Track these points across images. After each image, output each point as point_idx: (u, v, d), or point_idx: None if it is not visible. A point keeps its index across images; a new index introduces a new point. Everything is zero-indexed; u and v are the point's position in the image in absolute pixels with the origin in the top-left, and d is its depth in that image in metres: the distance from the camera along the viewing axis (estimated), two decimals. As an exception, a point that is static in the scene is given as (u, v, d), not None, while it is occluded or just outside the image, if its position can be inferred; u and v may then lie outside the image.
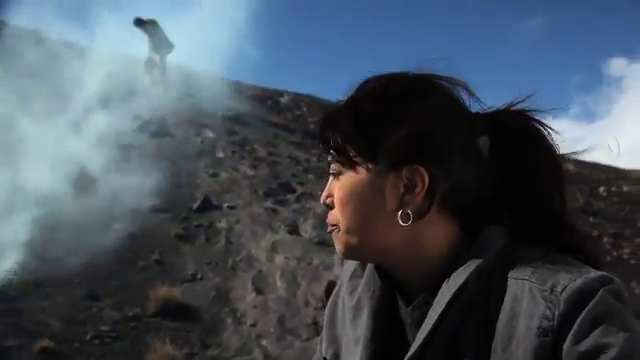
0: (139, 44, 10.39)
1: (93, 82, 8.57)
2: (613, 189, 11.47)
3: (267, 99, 13.53)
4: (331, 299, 0.89)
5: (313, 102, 15.12)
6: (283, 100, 13.97)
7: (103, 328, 4.14)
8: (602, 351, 0.56)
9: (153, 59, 10.13)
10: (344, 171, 0.72)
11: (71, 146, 6.94)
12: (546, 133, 0.73)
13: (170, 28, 10.41)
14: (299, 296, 4.76)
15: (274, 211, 6.38)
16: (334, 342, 0.82)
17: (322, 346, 0.85)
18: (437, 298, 0.68)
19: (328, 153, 0.74)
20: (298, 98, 14.95)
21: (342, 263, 5.34)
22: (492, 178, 0.72)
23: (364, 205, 0.71)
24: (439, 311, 0.66)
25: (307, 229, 5.95)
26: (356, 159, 0.71)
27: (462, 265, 0.68)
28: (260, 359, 4.02)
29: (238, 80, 14.82)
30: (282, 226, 5.96)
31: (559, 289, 0.61)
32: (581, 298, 0.60)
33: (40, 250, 5.18)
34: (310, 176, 7.92)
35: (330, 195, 0.75)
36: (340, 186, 0.73)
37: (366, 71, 0.74)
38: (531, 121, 0.73)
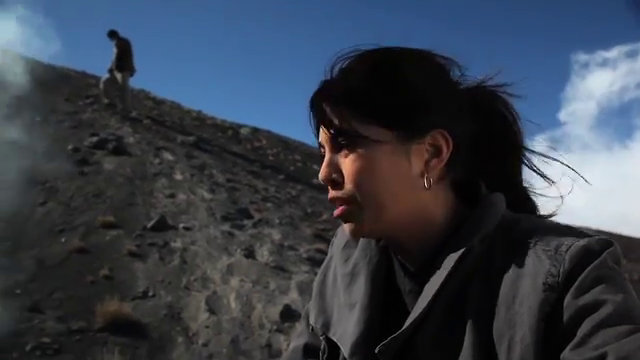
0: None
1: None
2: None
3: (227, 129, 13.53)
4: (320, 272, 0.88)
5: (272, 136, 15.23)
6: (242, 131, 14.00)
7: (45, 340, 3.90)
8: (600, 306, 0.58)
9: (115, 77, 9.98)
10: (360, 142, 0.69)
11: (23, 155, 6.68)
12: (510, 117, 0.76)
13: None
14: (254, 318, 4.66)
15: (231, 235, 6.29)
16: (324, 312, 0.81)
17: (310, 317, 0.84)
18: (442, 264, 0.68)
19: (332, 127, 0.70)
20: (257, 132, 15.03)
21: (299, 288, 5.25)
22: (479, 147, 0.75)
23: (388, 175, 0.69)
24: (444, 275, 0.67)
25: (264, 254, 5.90)
26: (373, 128, 0.69)
27: (466, 231, 0.69)
28: (211, 379, 3.89)
29: (200, 109, 14.82)
30: (238, 249, 5.88)
31: (564, 249, 0.63)
32: (585, 257, 0.61)
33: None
34: (268, 204, 7.90)
35: (336, 171, 0.71)
36: (354, 159, 0.69)
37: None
38: (499, 102, 0.76)
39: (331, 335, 0.78)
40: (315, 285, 0.87)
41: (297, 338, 0.89)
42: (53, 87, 10.35)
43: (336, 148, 0.71)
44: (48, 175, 6.91)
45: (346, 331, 0.75)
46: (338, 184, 0.71)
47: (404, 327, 0.68)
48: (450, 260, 0.67)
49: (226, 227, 6.45)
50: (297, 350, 0.87)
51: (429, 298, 0.67)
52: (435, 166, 0.70)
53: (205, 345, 4.24)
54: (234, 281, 5.24)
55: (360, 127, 0.69)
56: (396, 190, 0.69)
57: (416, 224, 0.71)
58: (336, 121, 0.70)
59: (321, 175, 0.72)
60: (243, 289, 5.10)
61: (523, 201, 0.77)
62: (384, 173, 0.69)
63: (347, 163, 0.70)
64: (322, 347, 0.80)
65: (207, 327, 4.46)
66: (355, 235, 0.73)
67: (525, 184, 0.78)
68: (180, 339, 4.27)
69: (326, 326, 0.79)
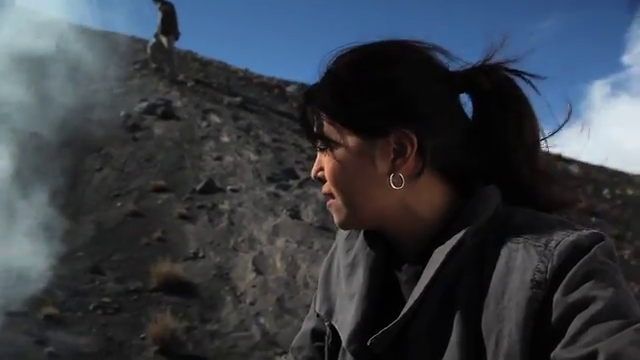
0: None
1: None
2: (617, 192, 11.49)
3: (273, 87, 13.57)
4: (326, 259, 0.90)
5: (319, 93, 15.08)
6: (289, 89, 14.00)
7: (106, 300, 4.23)
8: (590, 302, 0.58)
9: (161, 42, 10.14)
10: (331, 144, 0.73)
11: (76, 123, 7.00)
12: (522, 93, 0.73)
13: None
14: (298, 278, 4.83)
15: (276, 195, 6.44)
16: (328, 300, 0.83)
17: (316, 304, 0.87)
18: (433, 257, 0.69)
19: (311, 130, 0.75)
20: (305, 88, 14.96)
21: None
22: (474, 138, 0.73)
23: (356, 176, 0.72)
24: (435, 268, 0.67)
25: (309, 214, 6.02)
26: (341, 131, 0.72)
27: (459, 224, 0.69)
28: (258, 336, 4.11)
29: (247, 67, 14.87)
30: (284, 210, 6.03)
31: (553, 244, 0.62)
32: (574, 252, 0.61)
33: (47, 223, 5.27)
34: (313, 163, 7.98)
35: (321, 169, 0.76)
36: (329, 160, 0.73)
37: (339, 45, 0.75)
38: (507, 77, 0.73)
39: (333, 323, 0.81)
40: (321, 273, 0.90)
41: (307, 322, 0.93)
42: (103, 53, 10.65)
43: (320, 148, 0.76)
44: (103, 142, 7.24)
45: (345, 321, 0.78)
46: (322, 181, 0.77)
47: (395, 320, 0.70)
48: (440, 253, 0.68)
49: (272, 188, 6.60)
50: (306, 334, 0.91)
51: (420, 291, 0.68)
52: (400, 165, 0.70)
53: (252, 304, 4.45)
54: (280, 241, 5.41)
55: (329, 131, 0.73)
56: (366, 189, 0.72)
57: (402, 218, 0.73)
58: (312, 125, 0.75)
59: (312, 172, 0.79)
60: (288, 249, 5.26)
61: (529, 196, 0.75)
62: (352, 173, 0.72)
63: (325, 162, 0.75)
64: (327, 333, 0.84)
65: (254, 287, 4.67)
66: (340, 226, 0.79)
67: (536, 177, 0.75)
68: (229, 298, 4.50)
69: (329, 314, 0.83)
